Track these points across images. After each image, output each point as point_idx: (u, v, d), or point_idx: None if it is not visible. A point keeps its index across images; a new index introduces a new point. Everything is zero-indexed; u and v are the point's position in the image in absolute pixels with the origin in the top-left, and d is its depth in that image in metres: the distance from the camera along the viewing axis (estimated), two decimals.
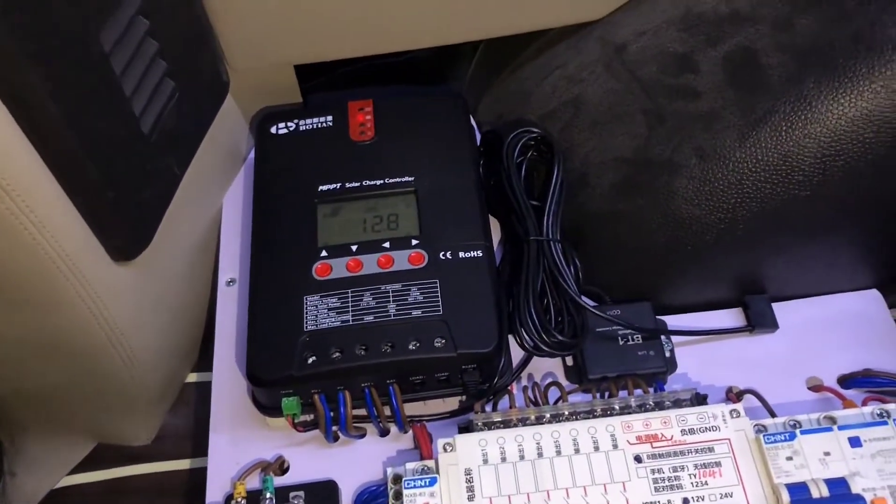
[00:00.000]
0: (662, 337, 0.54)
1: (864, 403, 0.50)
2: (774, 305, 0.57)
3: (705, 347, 0.56)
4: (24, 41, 0.39)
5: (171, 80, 0.51)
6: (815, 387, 0.54)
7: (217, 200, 0.64)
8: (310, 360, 0.50)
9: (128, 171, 0.49)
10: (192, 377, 0.67)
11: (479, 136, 0.64)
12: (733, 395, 0.53)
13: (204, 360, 0.68)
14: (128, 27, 0.46)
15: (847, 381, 0.54)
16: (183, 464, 0.64)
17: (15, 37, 0.38)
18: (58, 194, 0.44)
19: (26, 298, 0.47)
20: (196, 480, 0.62)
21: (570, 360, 0.56)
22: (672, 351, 0.54)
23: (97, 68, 0.45)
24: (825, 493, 0.44)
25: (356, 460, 0.52)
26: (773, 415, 0.50)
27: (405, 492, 0.45)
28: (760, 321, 0.56)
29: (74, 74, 0.43)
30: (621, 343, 0.54)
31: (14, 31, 0.38)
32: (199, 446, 0.64)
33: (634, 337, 0.54)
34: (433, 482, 0.46)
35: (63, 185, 0.44)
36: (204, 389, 0.66)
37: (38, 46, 0.40)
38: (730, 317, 0.57)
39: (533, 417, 0.49)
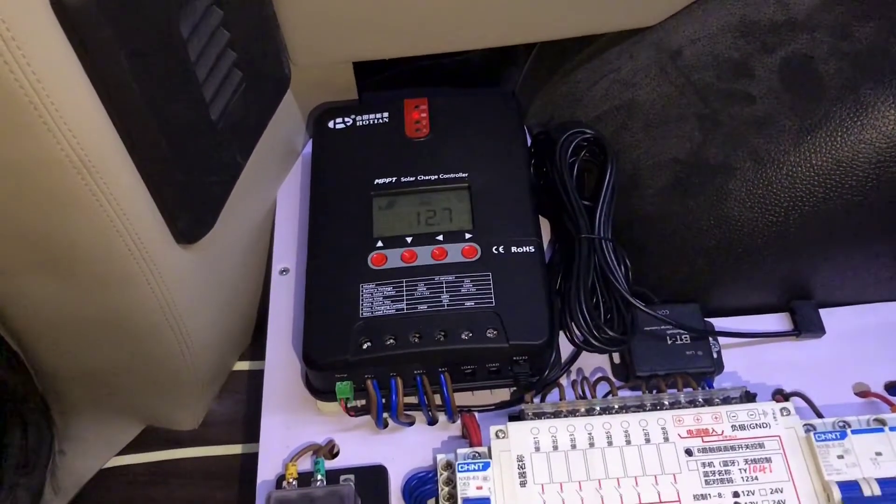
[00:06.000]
0: (709, 338, 0.55)
1: None
2: (821, 311, 0.57)
3: (751, 350, 0.57)
4: (114, 22, 0.40)
5: (239, 71, 0.53)
6: (862, 392, 0.54)
7: (272, 192, 0.65)
8: (364, 346, 0.51)
9: (197, 156, 0.50)
10: (239, 366, 0.69)
11: (529, 139, 0.65)
12: (780, 398, 0.53)
13: (251, 349, 0.69)
14: (204, 15, 0.48)
15: (894, 387, 0.54)
16: (228, 449, 0.65)
17: (106, 18, 0.40)
18: (133, 175, 0.46)
19: (95, 275, 0.48)
20: (242, 465, 0.64)
21: (616, 358, 0.56)
22: (719, 352, 0.55)
23: (176, 53, 0.46)
24: (877, 491, 0.44)
25: (404, 447, 0.53)
26: (820, 416, 0.51)
27: (459, 475, 0.46)
28: (807, 326, 0.57)
29: (156, 57, 0.44)
30: (669, 342, 0.55)
31: (105, 13, 0.39)
32: (244, 433, 0.65)
33: (682, 337, 0.55)
34: (486, 466, 0.46)
35: (138, 166, 0.46)
36: (250, 378, 0.68)
37: (127, 28, 0.41)
38: (776, 321, 0.58)
39: (583, 409, 0.50)
